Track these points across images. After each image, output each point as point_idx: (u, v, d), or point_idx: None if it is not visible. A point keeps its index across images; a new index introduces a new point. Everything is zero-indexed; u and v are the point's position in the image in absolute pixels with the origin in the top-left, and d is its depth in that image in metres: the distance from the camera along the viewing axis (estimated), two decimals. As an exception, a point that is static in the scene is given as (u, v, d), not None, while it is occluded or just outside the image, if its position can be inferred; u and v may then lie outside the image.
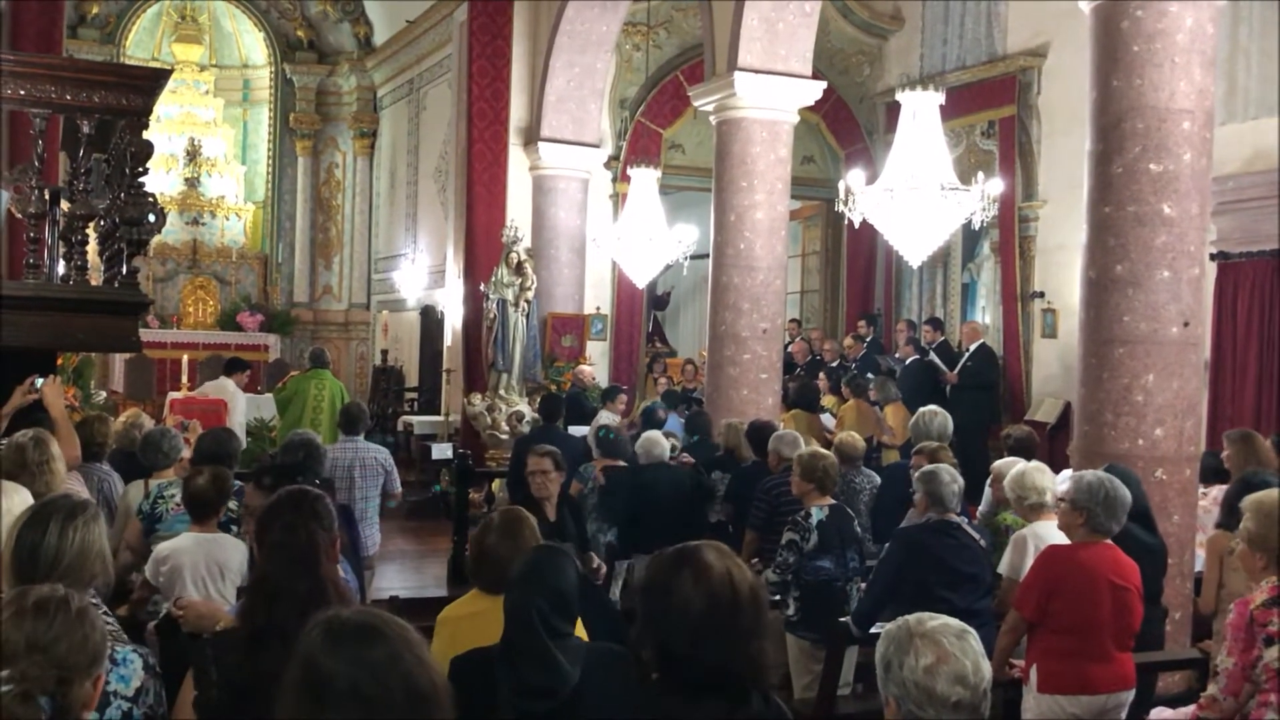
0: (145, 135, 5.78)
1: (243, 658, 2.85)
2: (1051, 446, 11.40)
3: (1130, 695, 4.68)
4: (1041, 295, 12.98)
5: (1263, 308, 10.54)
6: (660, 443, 7.73)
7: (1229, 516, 5.45)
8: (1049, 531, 5.21)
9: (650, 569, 2.52)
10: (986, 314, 13.81)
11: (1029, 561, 5.11)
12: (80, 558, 2.79)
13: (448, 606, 3.78)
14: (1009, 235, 13.12)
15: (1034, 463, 5.76)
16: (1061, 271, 12.63)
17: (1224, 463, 7.29)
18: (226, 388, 10.64)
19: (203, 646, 3.01)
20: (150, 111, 5.83)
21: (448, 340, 15.39)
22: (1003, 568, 5.45)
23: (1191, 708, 4.04)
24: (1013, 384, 13.07)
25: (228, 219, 20.40)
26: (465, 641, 3.25)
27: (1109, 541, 4.64)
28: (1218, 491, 7.09)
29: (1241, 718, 3.84)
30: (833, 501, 6.13)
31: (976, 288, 14.20)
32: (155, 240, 18.99)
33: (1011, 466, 5.90)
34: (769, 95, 10.13)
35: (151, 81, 5.89)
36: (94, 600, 3.15)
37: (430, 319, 17.57)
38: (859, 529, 6.32)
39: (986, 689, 2.33)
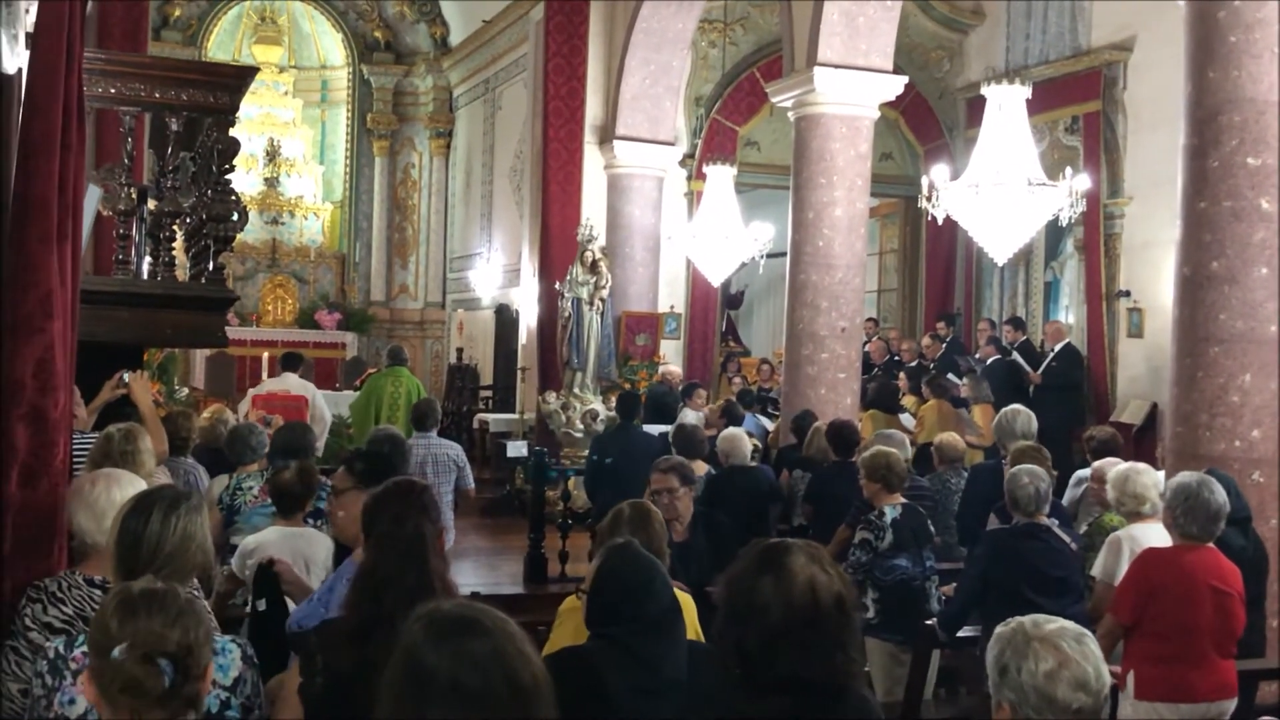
0: (231, 133, 5.85)
1: (349, 648, 2.84)
2: (1138, 449, 11.13)
3: (1232, 704, 4.53)
4: (1127, 294, 12.68)
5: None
6: (742, 443, 7.63)
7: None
8: (1146, 534, 5.07)
9: (738, 563, 2.46)
10: (1070, 313, 13.53)
11: (1124, 564, 4.98)
12: (182, 547, 2.80)
13: (571, 596, 3.74)
14: (1094, 233, 12.84)
15: (1138, 464, 5.60)
16: (1148, 270, 12.34)
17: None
18: (290, 382, 10.76)
19: (308, 635, 3.01)
20: (237, 109, 5.89)
21: (522, 339, 15.44)
22: (1096, 570, 5.31)
23: (1301, 717, 3.89)
24: (1097, 385, 12.79)
25: (306, 218, 20.64)
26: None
27: (1211, 545, 4.49)
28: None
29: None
30: (904, 500, 6.04)
31: (1060, 286, 13.92)
32: (236, 239, 19.35)
33: (1113, 466, 5.75)
34: (849, 90, 10.01)
35: (238, 79, 5.95)
36: (195, 591, 3.17)
37: (505, 317, 17.64)
38: (932, 527, 6.21)
39: (1107, 695, 2.25)
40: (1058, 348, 12.27)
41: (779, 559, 2.39)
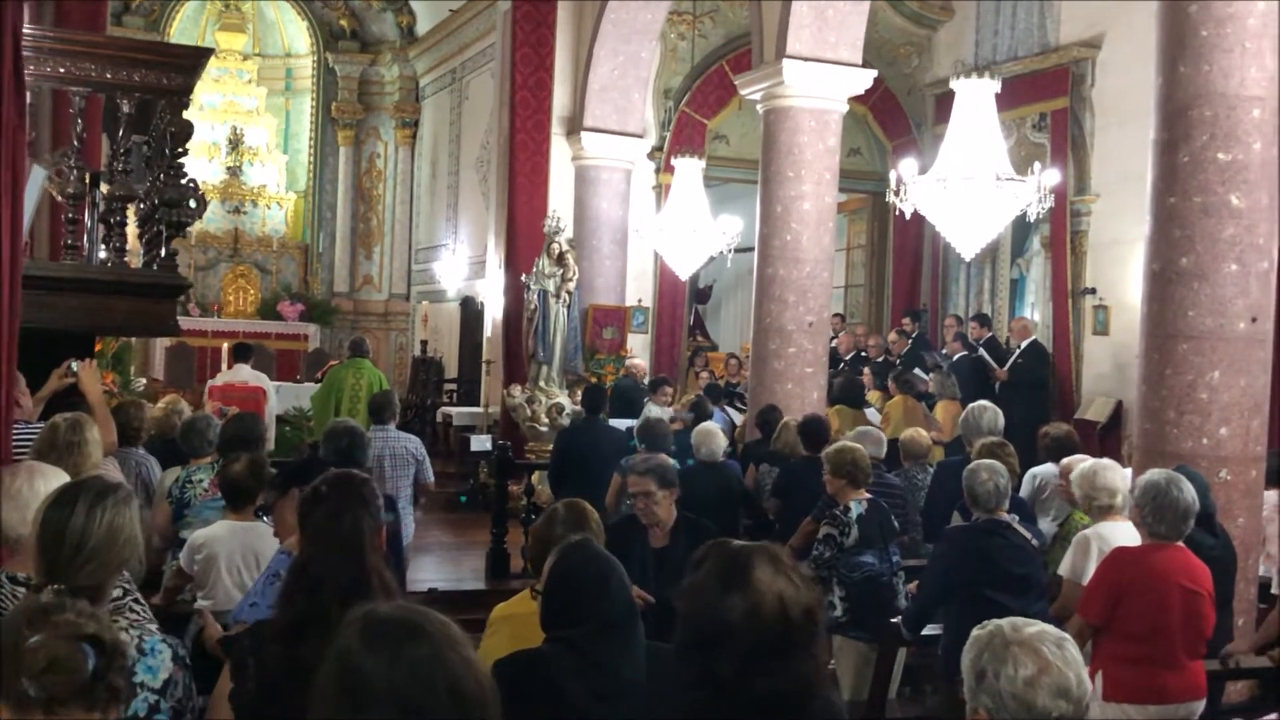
0: (186, 116, 5.68)
1: (281, 649, 2.70)
2: (1103, 446, 11.13)
3: (1201, 705, 4.46)
4: (1093, 292, 12.70)
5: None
6: (716, 438, 7.52)
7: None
8: (1114, 532, 5.00)
9: (698, 575, 2.34)
10: (1036, 311, 13.53)
11: (1092, 563, 4.91)
12: (108, 541, 2.63)
13: (504, 603, 3.59)
14: (1060, 230, 12.84)
15: (1104, 460, 5.54)
16: (1114, 267, 12.35)
17: (1286, 464, 7.04)
18: (244, 373, 10.59)
19: (240, 638, 2.86)
20: (191, 90, 5.73)
21: (488, 331, 15.27)
22: (1063, 569, 5.24)
23: (1273, 715, 3.81)
24: (1062, 382, 12.79)
25: (269, 208, 20.43)
26: (527, 640, 3.07)
27: (1180, 544, 4.43)
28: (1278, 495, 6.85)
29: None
30: (869, 496, 5.96)
31: (1025, 284, 13.92)
32: (197, 229, 19.19)
33: (1080, 463, 5.68)
34: (818, 83, 9.93)
35: (192, 60, 5.79)
36: (126, 584, 3.02)
37: (470, 310, 17.48)
38: (897, 524, 6.14)
39: (1088, 703, 2.16)
40: (1024, 345, 12.26)
41: (744, 574, 2.27)
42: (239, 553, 4.70)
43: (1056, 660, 2.16)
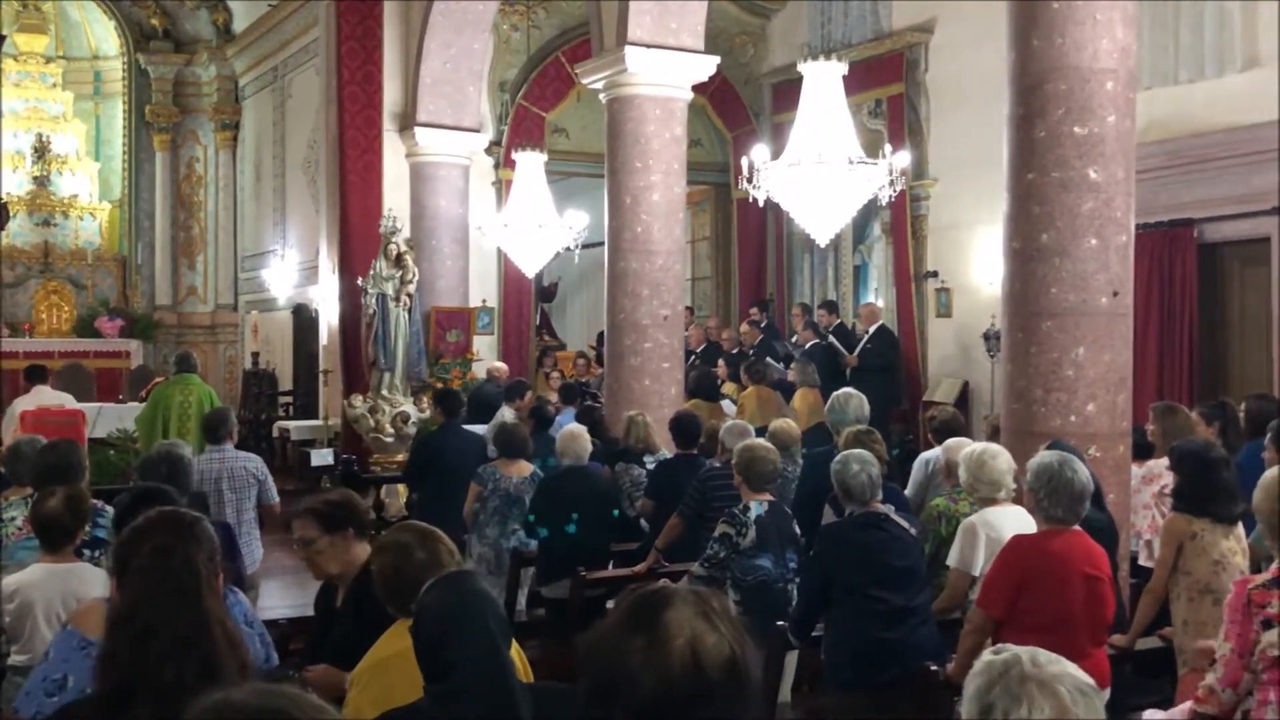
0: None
1: None
2: (955, 427, 11.20)
3: (1107, 695, 4.32)
4: (935, 275, 12.81)
5: (1160, 280, 10.46)
6: (582, 441, 7.20)
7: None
8: (1001, 519, 4.84)
9: (606, 619, 1.95)
10: (879, 296, 13.61)
11: (980, 551, 4.76)
12: None
13: (371, 650, 3.13)
14: (900, 215, 12.92)
15: (992, 445, 5.39)
16: (954, 250, 12.49)
17: (1148, 436, 7.08)
18: (46, 396, 9.79)
19: None
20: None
21: (323, 339, 14.60)
22: (951, 559, 5.07)
23: (1187, 704, 3.69)
24: (909, 365, 12.89)
25: (82, 219, 19.38)
26: (407, 685, 2.66)
27: (1077, 528, 4.27)
28: (1144, 469, 6.87)
29: (1242, 714, 3.51)
30: (772, 498, 5.72)
31: (868, 270, 14.00)
32: (4, 243, 17.89)
33: (964, 446, 5.54)
34: (662, 70, 9.68)
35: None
36: None
37: (303, 318, 16.78)
38: (797, 528, 5.91)
39: None
40: (872, 329, 12.28)
41: (655, 614, 1.87)
42: (59, 600, 4.13)
43: (1076, 708, 1.89)
